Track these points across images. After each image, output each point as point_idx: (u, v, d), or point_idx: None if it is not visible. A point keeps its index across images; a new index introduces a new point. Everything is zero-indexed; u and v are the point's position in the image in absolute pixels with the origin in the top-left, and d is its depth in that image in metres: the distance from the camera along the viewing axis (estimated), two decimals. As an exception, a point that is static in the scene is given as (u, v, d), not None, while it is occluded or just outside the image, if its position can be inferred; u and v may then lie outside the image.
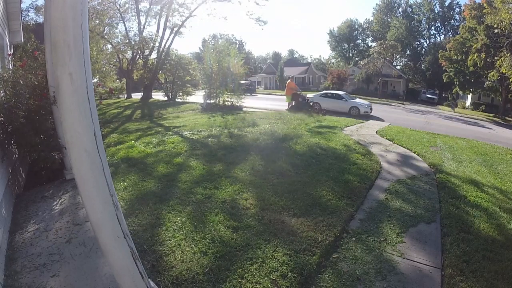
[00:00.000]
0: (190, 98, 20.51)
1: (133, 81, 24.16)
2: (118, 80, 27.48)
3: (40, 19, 15.52)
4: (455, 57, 24.49)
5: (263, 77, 52.65)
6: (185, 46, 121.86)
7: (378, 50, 34.21)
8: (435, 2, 46.35)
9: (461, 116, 21.66)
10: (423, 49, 48.62)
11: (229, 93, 14.55)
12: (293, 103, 13.64)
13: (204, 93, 15.00)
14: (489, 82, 23.12)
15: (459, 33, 25.41)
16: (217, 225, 2.99)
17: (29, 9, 16.55)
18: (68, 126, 1.44)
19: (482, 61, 20.37)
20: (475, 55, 20.85)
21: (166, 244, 2.67)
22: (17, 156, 4.12)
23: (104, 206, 1.54)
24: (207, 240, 2.74)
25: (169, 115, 11.96)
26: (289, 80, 14.54)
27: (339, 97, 15.37)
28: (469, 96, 30.02)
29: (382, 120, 12.70)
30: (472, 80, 24.06)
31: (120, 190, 3.76)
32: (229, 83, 14.63)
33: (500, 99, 24.44)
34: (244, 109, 14.02)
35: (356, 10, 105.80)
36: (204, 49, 16.00)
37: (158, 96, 23.56)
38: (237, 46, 19.91)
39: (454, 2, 45.28)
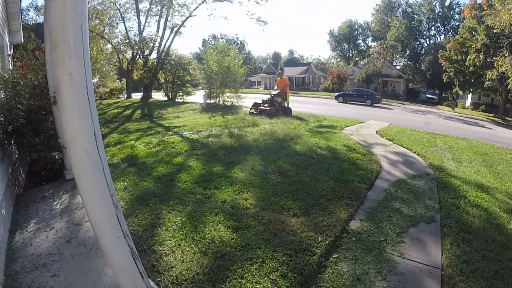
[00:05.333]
0: (190, 98, 20.51)
1: (133, 81, 24.15)
2: (118, 80, 27.49)
3: (40, 19, 15.53)
4: (455, 57, 24.50)
5: (263, 77, 52.68)
6: (185, 46, 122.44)
7: (378, 50, 34.22)
8: (435, 2, 46.37)
9: (461, 116, 21.68)
10: (423, 49, 48.61)
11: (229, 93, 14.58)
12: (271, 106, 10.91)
13: (204, 93, 15.01)
14: (489, 82, 23.15)
15: (459, 33, 25.42)
16: (217, 225, 2.99)
17: (29, 8, 16.59)
18: (68, 126, 1.44)
19: (481, 61, 20.38)
20: (474, 55, 20.87)
21: (166, 244, 2.67)
22: (17, 156, 4.12)
23: (104, 206, 1.54)
24: (207, 240, 2.74)
25: (169, 115, 11.96)
26: (285, 77, 12.12)
27: None
28: (469, 96, 30.07)
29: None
30: (472, 80, 24.07)
31: (120, 190, 3.76)
32: (229, 83, 14.64)
33: (500, 99, 24.47)
34: (244, 109, 14.03)
35: (356, 10, 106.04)
36: (204, 49, 15.98)
37: (158, 96, 23.55)
38: (237, 46, 19.86)
39: (454, 2, 45.33)
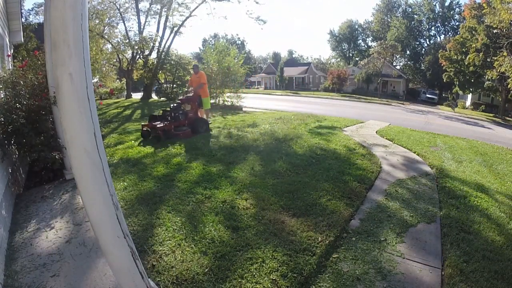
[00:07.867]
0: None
1: (133, 81, 24.12)
2: (118, 80, 27.45)
3: (40, 19, 15.56)
4: (455, 57, 24.51)
5: (263, 77, 52.73)
6: (185, 46, 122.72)
7: (378, 50, 34.23)
8: (435, 2, 46.40)
9: (461, 116, 21.68)
10: (423, 49, 48.65)
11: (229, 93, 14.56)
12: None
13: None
14: (489, 82, 23.17)
15: (459, 33, 25.44)
16: (217, 225, 2.99)
17: (30, 12, 16.65)
18: (68, 126, 1.44)
19: (481, 61, 20.39)
20: (474, 54, 20.89)
21: (166, 244, 2.67)
22: (17, 156, 4.12)
23: (104, 206, 1.54)
24: (207, 240, 2.74)
25: (169, 115, 11.93)
26: (202, 72, 8.40)
27: None
28: (469, 96, 30.10)
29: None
30: (472, 80, 24.10)
31: (120, 190, 3.76)
32: (229, 83, 14.62)
33: (500, 99, 24.48)
34: (244, 109, 14.03)
35: (356, 10, 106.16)
36: (204, 49, 15.96)
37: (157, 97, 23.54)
38: (237, 46, 19.84)
39: (454, 2, 45.35)
